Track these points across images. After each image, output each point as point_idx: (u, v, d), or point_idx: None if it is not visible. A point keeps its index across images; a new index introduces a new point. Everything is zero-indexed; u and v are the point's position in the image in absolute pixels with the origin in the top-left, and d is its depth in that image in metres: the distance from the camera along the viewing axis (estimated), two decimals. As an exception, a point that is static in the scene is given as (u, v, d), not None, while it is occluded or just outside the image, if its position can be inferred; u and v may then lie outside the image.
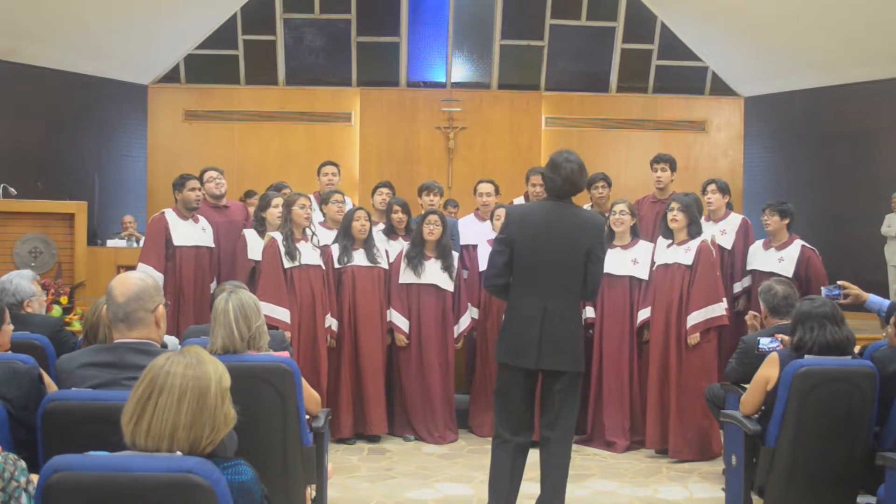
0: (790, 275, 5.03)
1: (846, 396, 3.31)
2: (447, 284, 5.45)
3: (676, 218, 5.08)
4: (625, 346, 5.29)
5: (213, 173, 5.76)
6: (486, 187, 5.91)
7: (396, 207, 5.76)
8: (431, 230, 5.40)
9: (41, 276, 5.48)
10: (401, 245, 5.66)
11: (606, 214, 5.51)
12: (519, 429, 3.66)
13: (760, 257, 5.36)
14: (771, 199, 5.67)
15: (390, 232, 5.77)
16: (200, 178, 5.70)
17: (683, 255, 5.05)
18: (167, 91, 11.12)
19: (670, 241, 5.17)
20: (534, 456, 3.82)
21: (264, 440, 3.05)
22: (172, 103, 11.06)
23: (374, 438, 5.37)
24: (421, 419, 5.42)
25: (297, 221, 5.12)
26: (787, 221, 5.29)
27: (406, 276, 5.43)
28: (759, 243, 5.45)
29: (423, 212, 5.67)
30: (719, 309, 4.98)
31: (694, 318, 4.98)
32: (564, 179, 3.62)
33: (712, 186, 5.63)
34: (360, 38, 11.19)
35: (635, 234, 5.42)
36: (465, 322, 5.52)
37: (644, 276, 5.29)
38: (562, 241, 3.59)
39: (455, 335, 5.50)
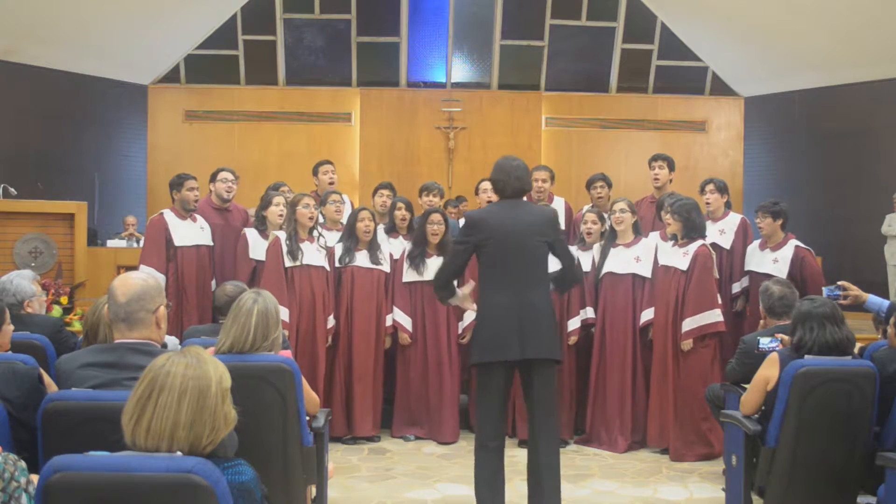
0: (784, 275, 5.02)
1: (846, 396, 3.31)
2: None
3: (669, 222, 5.10)
4: (628, 344, 5.28)
5: (229, 175, 5.68)
6: (488, 185, 5.89)
7: (400, 205, 5.75)
8: (435, 230, 5.39)
9: (41, 276, 5.48)
10: (401, 244, 5.66)
11: (606, 214, 5.52)
12: (499, 432, 3.73)
13: (756, 258, 5.35)
14: (770, 199, 5.65)
15: (391, 230, 5.77)
16: (214, 177, 5.67)
17: (681, 258, 5.05)
18: (167, 91, 11.12)
19: (673, 241, 5.18)
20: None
21: (264, 440, 3.05)
22: (172, 103, 11.07)
23: (373, 438, 5.36)
24: (427, 417, 5.42)
25: (301, 221, 5.13)
26: (780, 222, 5.26)
27: (409, 276, 5.43)
28: (756, 244, 5.44)
29: (423, 212, 5.67)
30: (714, 316, 4.97)
31: (687, 325, 4.99)
32: (517, 178, 3.77)
33: (710, 186, 5.62)
34: (360, 38, 11.19)
35: (637, 231, 5.42)
36: (470, 316, 5.50)
37: (647, 273, 5.28)
38: (523, 237, 3.70)
39: (460, 330, 5.49)
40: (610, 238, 5.41)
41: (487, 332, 3.69)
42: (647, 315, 5.23)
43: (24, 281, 3.93)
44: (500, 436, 3.72)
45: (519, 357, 3.63)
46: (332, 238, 5.49)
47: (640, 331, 5.29)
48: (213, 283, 5.44)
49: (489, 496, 3.71)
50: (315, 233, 5.24)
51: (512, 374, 3.72)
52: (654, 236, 5.40)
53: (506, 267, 3.68)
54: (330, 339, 5.30)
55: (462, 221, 5.99)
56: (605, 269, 5.33)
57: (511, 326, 3.62)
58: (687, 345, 4.96)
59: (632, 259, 5.32)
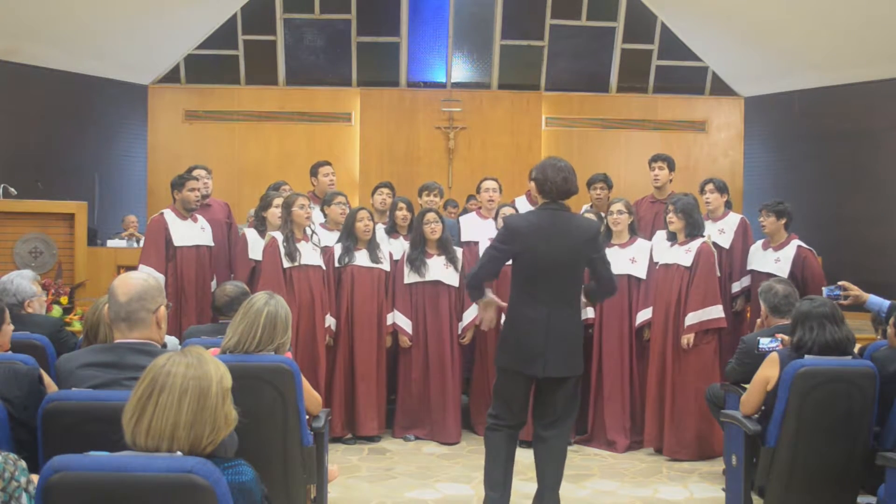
0: (786, 275, 5.03)
1: (846, 396, 3.31)
2: (452, 280, 5.45)
3: (673, 220, 5.10)
4: (625, 346, 5.29)
5: (202, 171, 5.74)
6: (490, 184, 5.92)
7: (401, 205, 5.76)
8: (433, 229, 5.40)
9: (41, 276, 5.48)
10: (401, 244, 5.66)
11: (604, 215, 5.52)
12: (516, 419, 3.71)
13: (759, 258, 5.36)
14: (771, 199, 5.66)
15: (392, 230, 5.77)
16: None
17: (684, 255, 5.06)
18: (167, 91, 11.11)
19: (672, 242, 5.18)
20: (529, 457, 3.82)
21: (264, 440, 3.06)
22: (172, 103, 11.06)
23: (373, 438, 5.37)
24: (429, 418, 5.41)
25: (297, 222, 5.13)
26: (783, 221, 5.27)
27: (411, 277, 5.43)
28: (758, 243, 5.45)
29: (418, 212, 5.67)
30: (716, 311, 4.98)
31: (690, 320, 4.99)
32: (563, 179, 3.65)
33: (710, 186, 5.63)
34: (360, 38, 11.18)
35: (633, 231, 5.42)
36: (469, 316, 5.50)
37: (642, 274, 5.29)
38: (562, 250, 3.61)
39: (460, 330, 5.49)
40: (605, 238, 5.41)
41: (513, 341, 3.65)
42: (644, 315, 5.23)
43: (24, 281, 3.93)
44: (511, 420, 3.68)
45: (541, 376, 3.61)
46: (329, 238, 5.48)
47: (637, 331, 5.29)
48: (214, 283, 5.44)
49: (495, 472, 3.68)
50: (308, 231, 5.24)
51: (532, 381, 3.69)
52: (661, 235, 5.38)
53: (539, 283, 3.61)
54: (330, 339, 5.30)
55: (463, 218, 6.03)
56: None
57: (537, 343, 3.57)
58: (689, 339, 4.96)
59: (627, 260, 5.32)
